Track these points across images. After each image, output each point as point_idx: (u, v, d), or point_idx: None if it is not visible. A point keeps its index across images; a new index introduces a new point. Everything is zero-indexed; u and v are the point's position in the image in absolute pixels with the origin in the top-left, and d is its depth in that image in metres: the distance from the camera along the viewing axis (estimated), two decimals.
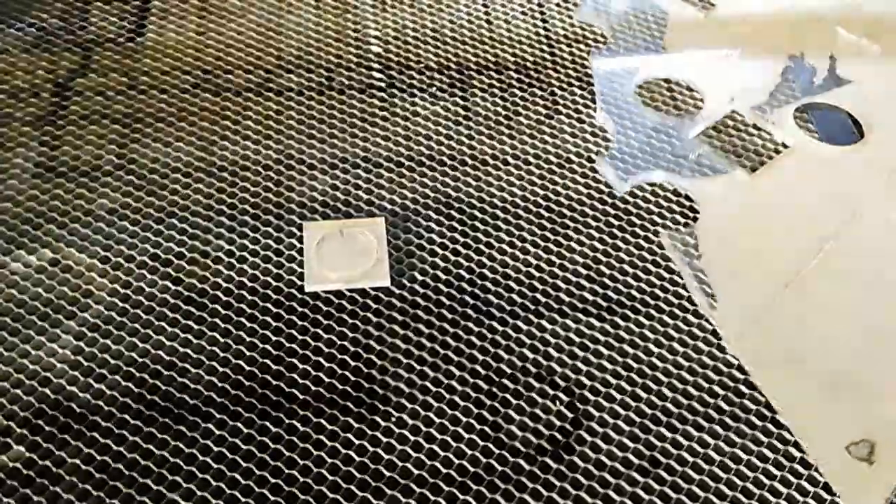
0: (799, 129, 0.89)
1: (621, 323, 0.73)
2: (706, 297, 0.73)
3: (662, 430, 0.66)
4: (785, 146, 0.88)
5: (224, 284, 0.74)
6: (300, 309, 0.72)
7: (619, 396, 0.68)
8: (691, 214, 0.82)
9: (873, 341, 0.69)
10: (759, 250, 0.77)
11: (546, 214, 0.81)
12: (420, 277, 0.75)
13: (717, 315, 0.72)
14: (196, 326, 0.71)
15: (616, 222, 0.80)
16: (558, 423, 0.66)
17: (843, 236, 0.77)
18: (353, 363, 0.69)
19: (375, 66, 0.95)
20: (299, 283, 0.74)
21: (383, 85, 0.93)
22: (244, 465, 0.63)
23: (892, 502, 0.61)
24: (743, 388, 0.69)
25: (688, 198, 0.83)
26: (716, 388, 0.69)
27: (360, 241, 0.68)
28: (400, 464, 0.64)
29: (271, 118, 0.88)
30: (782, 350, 0.68)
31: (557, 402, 0.67)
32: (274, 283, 0.74)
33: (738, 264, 0.76)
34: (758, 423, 0.67)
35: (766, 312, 0.71)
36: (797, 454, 0.65)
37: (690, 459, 0.64)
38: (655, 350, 0.71)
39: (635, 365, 0.70)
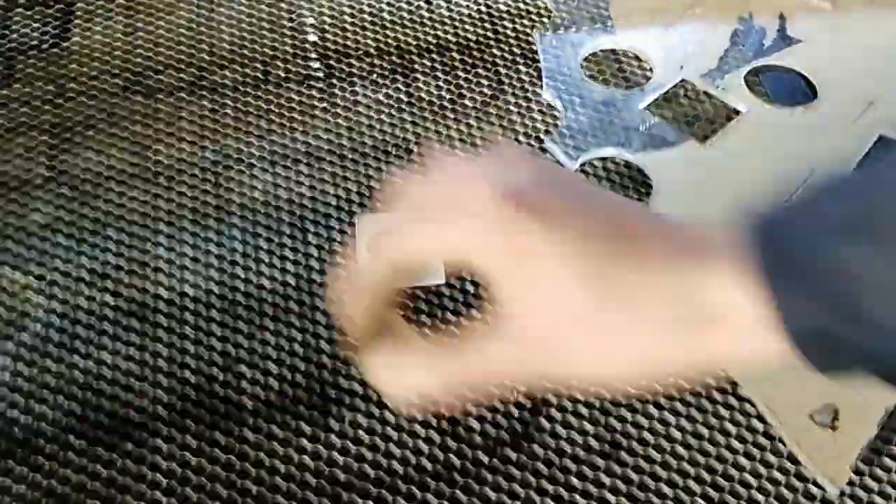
0: (750, 94, 0.90)
1: None
2: None
3: (623, 411, 0.67)
4: (737, 112, 0.89)
5: (167, 294, 0.74)
6: (246, 315, 0.73)
7: None
8: (644, 188, 0.83)
9: None
10: (711, 220, 0.78)
11: None
12: None
13: None
14: (139, 340, 0.71)
15: None
16: (517, 412, 0.67)
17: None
18: (303, 366, 0.70)
19: (313, 55, 0.95)
20: (244, 287, 0.75)
21: (322, 75, 0.93)
22: (195, 478, 0.64)
23: (857, 467, 0.62)
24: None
25: (639, 171, 0.84)
26: None
27: None
28: (356, 465, 0.64)
29: (207, 117, 0.88)
30: None
31: (515, 392, 0.68)
32: (217, 290, 0.74)
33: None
34: (719, 397, 0.68)
35: None
36: (760, 426, 0.66)
37: (652, 440, 0.66)
38: None
39: None
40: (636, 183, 0.82)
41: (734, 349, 0.37)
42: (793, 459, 0.64)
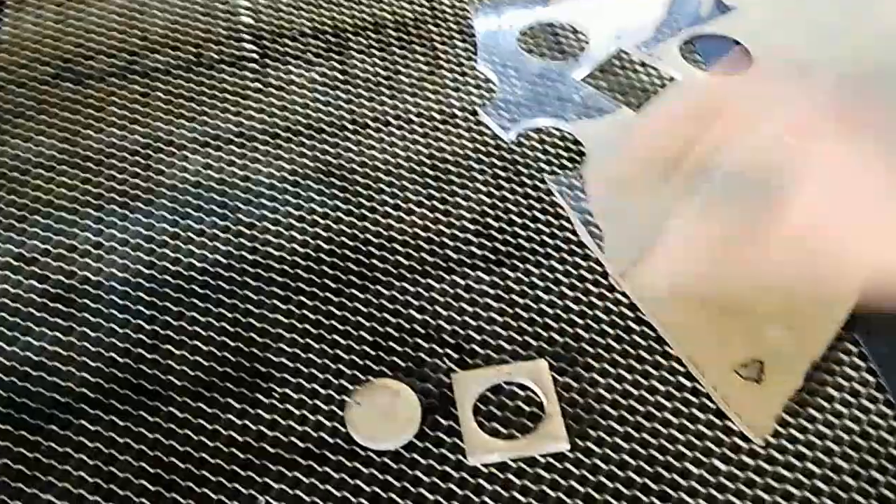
0: (685, 62, 0.92)
1: (510, 274, 0.75)
2: (594, 238, 0.76)
3: (554, 373, 0.68)
4: (672, 80, 0.91)
5: (94, 278, 0.75)
6: (175, 295, 0.74)
7: (509, 347, 0.70)
8: (578, 157, 0.84)
9: (759, 260, 0.72)
10: (643, 184, 0.80)
11: (431, 173, 0.83)
12: (301, 249, 0.77)
13: (605, 255, 0.75)
14: (65, 324, 0.72)
15: (503, 173, 0.83)
16: (447, 381, 0.68)
17: (728, 161, 0.80)
18: (232, 343, 0.71)
19: (247, 37, 0.96)
20: (172, 267, 0.76)
21: (256, 56, 0.94)
22: (121, 457, 0.65)
23: (782, 419, 0.64)
24: (633, 324, 0.72)
25: (575, 141, 0.86)
26: (606, 327, 0.72)
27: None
28: (286, 438, 0.66)
29: (137, 101, 0.90)
30: (668, 283, 0.71)
31: (446, 360, 0.69)
32: (146, 271, 0.75)
33: (625, 202, 0.79)
34: (648, 357, 0.70)
35: (652, 247, 0.74)
36: (689, 383, 0.68)
37: (581, 400, 0.67)
38: (545, 297, 0.73)
39: (525, 314, 0.72)
40: (570, 151, 0.84)
41: None
42: (720, 414, 0.66)
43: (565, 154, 0.84)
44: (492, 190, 0.81)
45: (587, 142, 0.85)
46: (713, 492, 0.63)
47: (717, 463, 0.64)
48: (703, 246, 0.75)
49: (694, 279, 0.73)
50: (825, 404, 0.67)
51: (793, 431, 0.66)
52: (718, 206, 0.78)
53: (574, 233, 0.77)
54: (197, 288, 0.74)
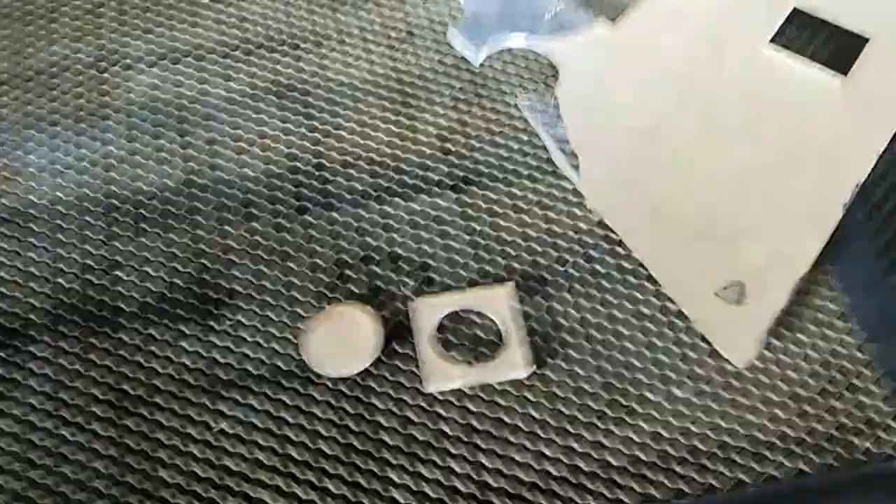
0: None
1: (469, 200, 0.75)
2: (566, 158, 0.75)
3: (522, 293, 0.68)
4: None
5: (43, 199, 0.74)
6: (126, 218, 0.73)
7: (469, 274, 0.70)
8: (550, 78, 0.83)
9: (739, 181, 0.72)
10: (621, 104, 0.79)
11: (392, 91, 0.82)
12: (256, 171, 0.76)
13: (580, 176, 0.74)
14: (15, 246, 0.72)
15: (467, 94, 0.81)
16: (405, 308, 0.68)
17: (706, 78, 0.79)
18: (184, 268, 0.71)
19: None
20: (124, 190, 0.75)
21: None
22: (74, 383, 0.65)
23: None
24: (604, 244, 0.72)
25: (546, 60, 0.84)
26: (576, 246, 0.71)
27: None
28: (238, 365, 0.66)
29: (88, 14, 0.87)
30: (647, 205, 0.71)
31: (404, 286, 0.69)
32: (95, 194, 0.75)
33: (600, 122, 0.78)
34: (633, 280, 0.70)
35: (628, 168, 0.73)
36: (657, 302, 0.68)
37: (542, 326, 0.67)
38: (506, 223, 0.73)
39: (486, 240, 0.72)
40: (543, 70, 0.82)
41: None
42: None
43: (537, 71, 0.83)
44: (457, 109, 0.79)
45: (562, 61, 0.83)
46: (671, 419, 0.63)
47: (674, 390, 0.65)
48: (682, 167, 0.75)
49: (672, 200, 0.72)
50: (790, 333, 0.68)
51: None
52: (700, 124, 0.77)
53: (537, 157, 0.77)
54: (148, 211, 0.73)
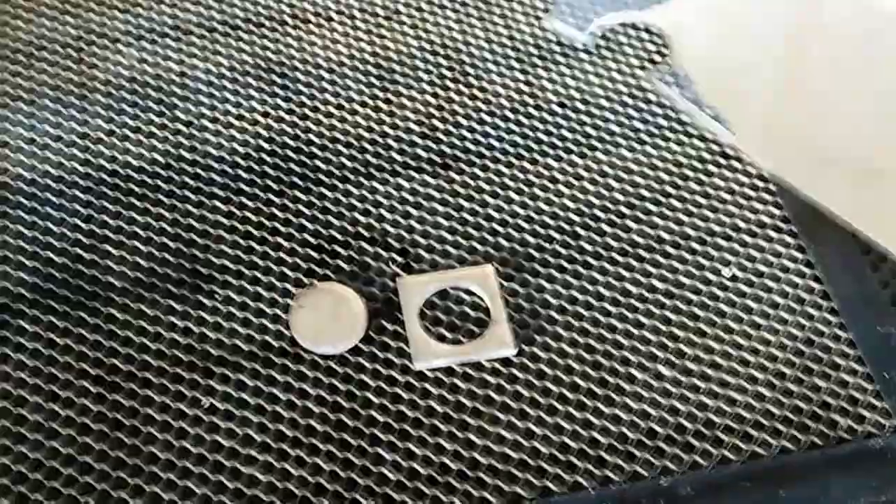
0: None
1: (456, 177, 0.76)
2: (715, 120, 0.75)
3: (510, 271, 0.70)
4: None
5: (28, 175, 0.74)
6: (111, 194, 0.74)
7: (456, 252, 0.71)
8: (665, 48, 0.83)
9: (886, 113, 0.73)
10: (751, 60, 0.79)
11: (376, 70, 0.83)
12: (241, 149, 0.77)
13: (737, 137, 0.75)
14: (1, 222, 0.71)
15: (449, 73, 0.82)
16: (392, 285, 0.70)
17: (829, 23, 0.80)
18: (171, 244, 0.71)
19: None
20: (108, 166, 0.75)
21: None
22: (62, 358, 0.65)
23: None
24: (580, 230, 0.73)
25: (530, 39, 0.85)
26: (563, 224, 0.73)
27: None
28: (228, 340, 0.66)
29: None
30: (815, 150, 0.73)
31: (392, 264, 0.71)
32: (81, 169, 0.75)
33: (737, 80, 0.79)
34: (620, 259, 0.71)
35: (782, 118, 0.75)
36: (644, 280, 0.70)
37: (528, 305, 0.69)
38: (493, 201, 0.74)
39: (472, 218, 0.73)
40: (655, 43, 0.82)
41: None
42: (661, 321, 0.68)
43: (523, 54, 0.84)
44: (440, 90, 0.80)
45: (678, 29, 0.83)
46: (657, 397, 0.65)
47: (661, 368, 0.66)
48: (835, 106, 0.75)
49: (830, 142, 0.73)
50: (774, 312, 0.69)
51: (736, 338, 0.69)
52: (832, 65, 0.78)
53: (523, 136, 0.78)
54: (134, 187, 0.74)
